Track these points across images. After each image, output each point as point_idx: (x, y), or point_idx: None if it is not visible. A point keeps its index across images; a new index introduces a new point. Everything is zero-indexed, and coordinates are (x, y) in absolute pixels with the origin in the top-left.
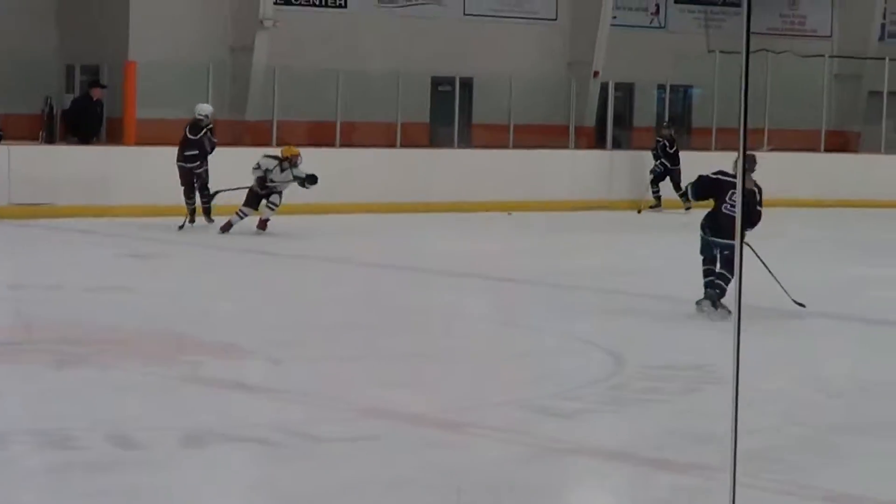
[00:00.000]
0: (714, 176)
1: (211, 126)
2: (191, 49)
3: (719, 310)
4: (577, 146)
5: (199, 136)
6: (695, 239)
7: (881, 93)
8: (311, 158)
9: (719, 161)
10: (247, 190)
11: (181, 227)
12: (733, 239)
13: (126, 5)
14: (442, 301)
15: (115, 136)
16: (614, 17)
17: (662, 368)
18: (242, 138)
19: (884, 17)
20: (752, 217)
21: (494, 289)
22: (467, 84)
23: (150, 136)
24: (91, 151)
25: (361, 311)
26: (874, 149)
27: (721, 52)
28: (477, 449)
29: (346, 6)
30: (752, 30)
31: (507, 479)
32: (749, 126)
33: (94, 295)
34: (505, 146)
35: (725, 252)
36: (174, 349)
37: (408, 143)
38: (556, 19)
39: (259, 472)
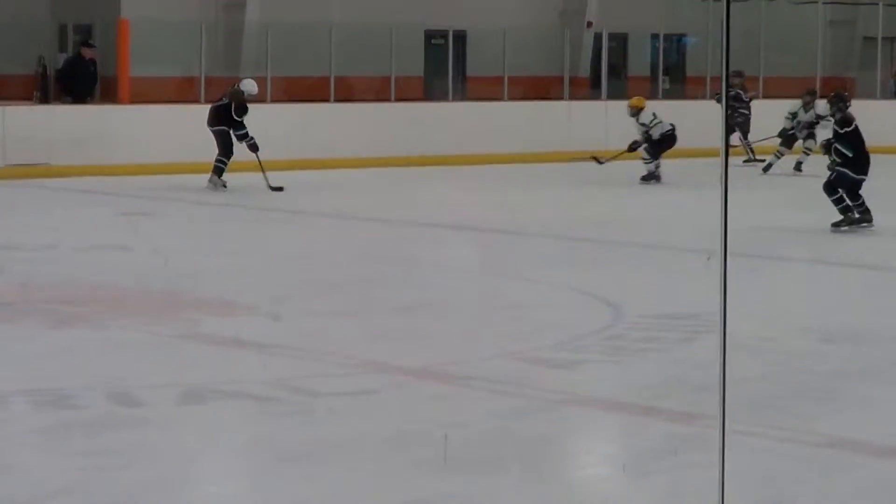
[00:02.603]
0: (855, 127)
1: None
2: (183, 6)
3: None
4: (572, 97)
5: (241, 118)
6: (685, 192)
7: (875, 38)
8: (306, 114)
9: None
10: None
11: (224, 186)
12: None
13: None
14: (438, 254)
15: (110, 95)
16: None
17: (660, 318)
18: None
19: None
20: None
21: (490, 241)
22: (461, 37)
23: (145, 94)
24: (85, 111)
25: (357, 265)
26: (870, 94)
27: (715, 1)
28: (474, 401)
29: None
30: None
31: (504, 430)
32: (745, 73)
33: (91, 254)
34: (499, 98)
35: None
36: (171, 307)
37: (402, 97)
38: None
39: (257, 428)
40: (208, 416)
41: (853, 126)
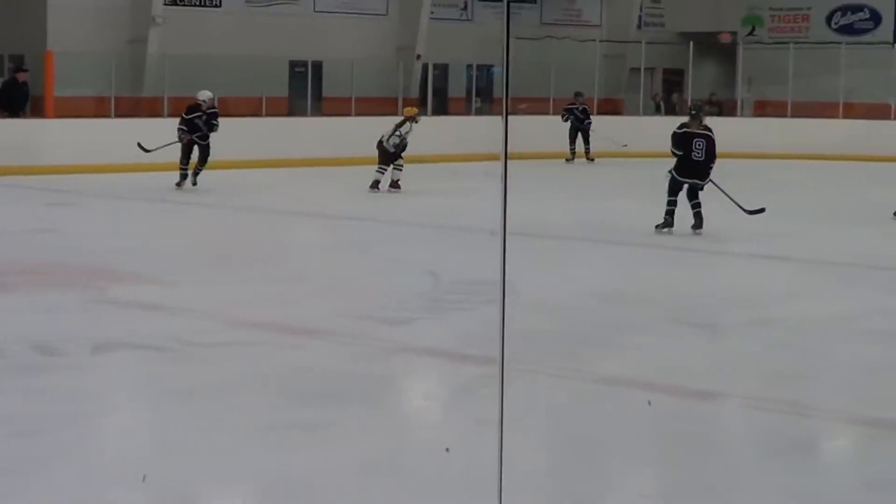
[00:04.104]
0: (681, 130)
1: (212, 109)
2: (97, 40)
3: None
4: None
5: (190, 117)
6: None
7: (639, 69)
8: None
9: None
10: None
11: (178, 185)
12: (695, 178)
13: (44, 4)
14: (301, 236)
15: (39, 111)
16: (432, 12)
17: (470, 284)
18: (140, 111)
19: (641, 10)
20: (713, 159)
21: (341, 226)
22: (318, 66)
23: (67, 110)
24: (19, 124)
25: (238, 245)
26: (635, 112)
27: (517, 38)
28: (324, 350)
29: (220, 6)
30: (542, 21)
31: (347, 372)
32: (536, 95)
33: (22, 236)
34: (349, 114)
35: (687, 185)
36: (89, 278)
37: (271, 113)
38: (386, 14)
39: (154, 372)
40: (115, 363)
41: (681, 130)
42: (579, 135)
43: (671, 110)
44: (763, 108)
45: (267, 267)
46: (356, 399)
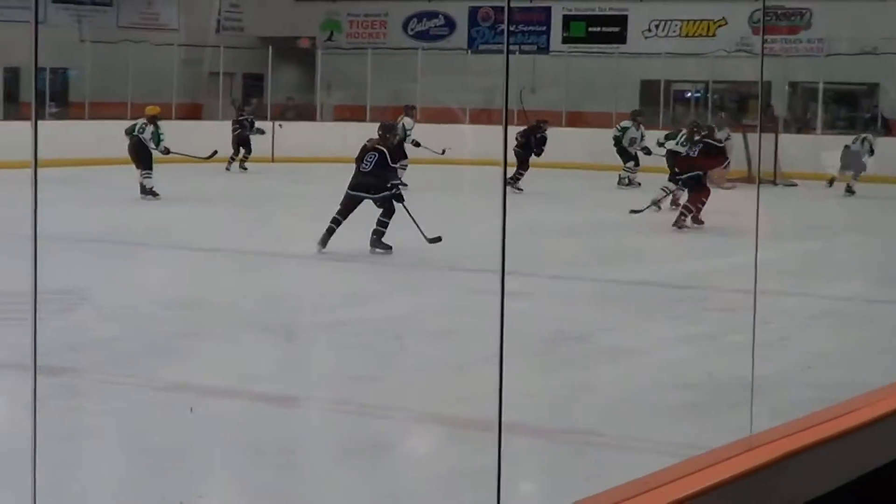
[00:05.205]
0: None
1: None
2: None
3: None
4: None
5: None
6: None
7: (218, 73)
8: None
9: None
10: None
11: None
12: (368, 193)
13: None
14: None
15: None
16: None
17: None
18: None
19: (219, 14)
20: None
21: None
22: None
23: None
24: None
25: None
26: (214, 117)
27: (91, 41)
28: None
29: None
30: (119, 24)
31: None
32: (115, 100)
33: None
34: None
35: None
36: None
37: None
38: None
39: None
40: None
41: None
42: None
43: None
44: (342, 113)
45: None
46: None
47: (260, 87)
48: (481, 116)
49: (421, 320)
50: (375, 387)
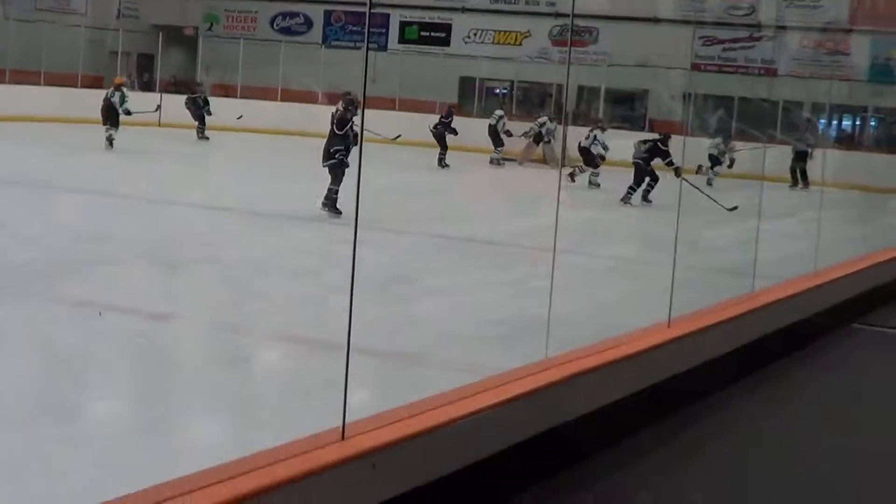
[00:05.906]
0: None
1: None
2: None
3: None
4: None
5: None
6: None
7: (117, 52)
8: None
9: None
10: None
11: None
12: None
13: None
14: None
15: None
16: None
17: None
18: None
19: (120, 3)
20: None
21: None
22: None
23: None
24: None
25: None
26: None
27: (14, 19)
28: None
29: None
30: (37, 7)
31: None
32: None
33: None
34: None
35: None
36: None
37: None
38: None
39: None
40: None
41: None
42: None
43: (144, 87)
44: (220, 90)
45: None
46: None
47: (151, 66)
48: (334, 99)
49: (284, 259)
50: (242, 311)
